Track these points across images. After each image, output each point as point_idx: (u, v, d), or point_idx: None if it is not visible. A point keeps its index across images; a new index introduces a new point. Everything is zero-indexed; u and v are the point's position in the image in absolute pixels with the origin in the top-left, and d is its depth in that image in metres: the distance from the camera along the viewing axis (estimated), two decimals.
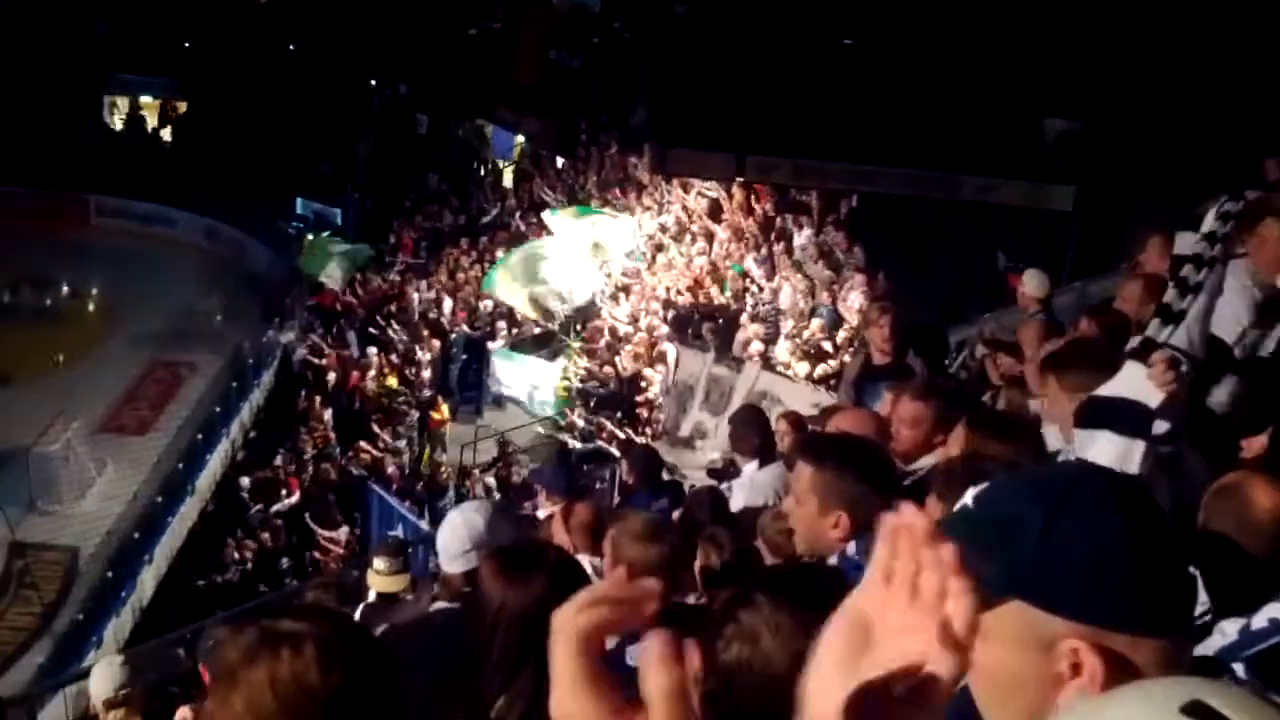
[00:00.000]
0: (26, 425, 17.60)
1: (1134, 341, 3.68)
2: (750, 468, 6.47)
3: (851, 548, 3.13)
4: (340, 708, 1.59)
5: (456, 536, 3.86)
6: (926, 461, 4.32)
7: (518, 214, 23.43)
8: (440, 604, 4.01)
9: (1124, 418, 3.75)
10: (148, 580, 15.35)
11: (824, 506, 3.13)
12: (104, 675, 5.32)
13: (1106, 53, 16.20)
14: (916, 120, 17.35)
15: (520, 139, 27.19)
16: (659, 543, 3.54)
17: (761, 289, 17.48)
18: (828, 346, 15.75)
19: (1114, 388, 4.11)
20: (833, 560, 3.15)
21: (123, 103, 31.79)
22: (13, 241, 25.21)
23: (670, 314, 17.86)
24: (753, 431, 6.60)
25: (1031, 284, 7.48)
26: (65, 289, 24.68)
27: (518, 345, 19.30)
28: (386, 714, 1.69)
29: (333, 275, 20.78)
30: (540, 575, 2.43)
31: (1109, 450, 3.82)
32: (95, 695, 5.31)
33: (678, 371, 14.93)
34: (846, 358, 14.74)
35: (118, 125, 31.88)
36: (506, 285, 18.53)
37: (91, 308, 24.55)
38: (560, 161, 24.78)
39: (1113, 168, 16.08)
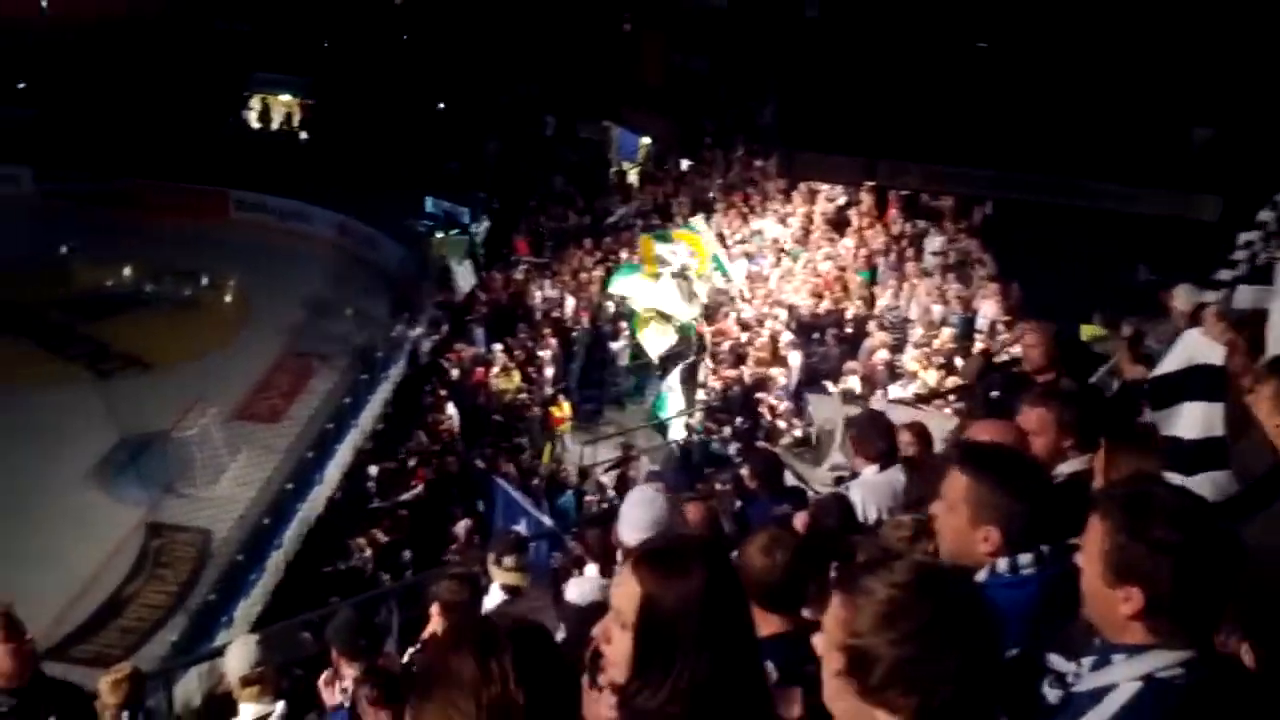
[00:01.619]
0: (166, 410, 18.33)
1: None
2: (869, 470, 6.36)
3: (1003, 564, 3.04)
4: None
5: (648, 511, 3.93)
6: (1063, 470, 4.21)
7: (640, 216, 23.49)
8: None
9: (1196, 384, 3.87)
10: (276, 564, 15.76)
11: (975, 519, 3.04)
12: (241, 652, 5.40)
13: (1255, 60, 15.51)
14: (1055, 126, 16.84)
15: (646, 140, 27.27)
16: (779, 554, 3.58)
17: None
18: (958, 357, 15.37)
19: (1173, 362, 4.12)
20: (980, 575, 3.04)
21: (262, 101, 32.85)
22: (157, 233, 26.32)
23: (794, 319, 17.63)
24: (877, 435, 6.51)
25: (1183, 298, 7.22)
26: (204, 280, 25.59)
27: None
28: None
29: (463, 274, 21.18)
30: (693, 577, 2.31)
31: (1193, 419, 3.82)
32: (232, 671, 5.38)
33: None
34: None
35: (256, 123, 32.96)
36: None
37: (228, 299, 25.38)
38: (685, 164, 24.74)
39: (1260, 177, 15.36)
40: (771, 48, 22.14)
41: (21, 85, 30.84)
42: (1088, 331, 13.42)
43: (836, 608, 1.97)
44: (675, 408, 17.58)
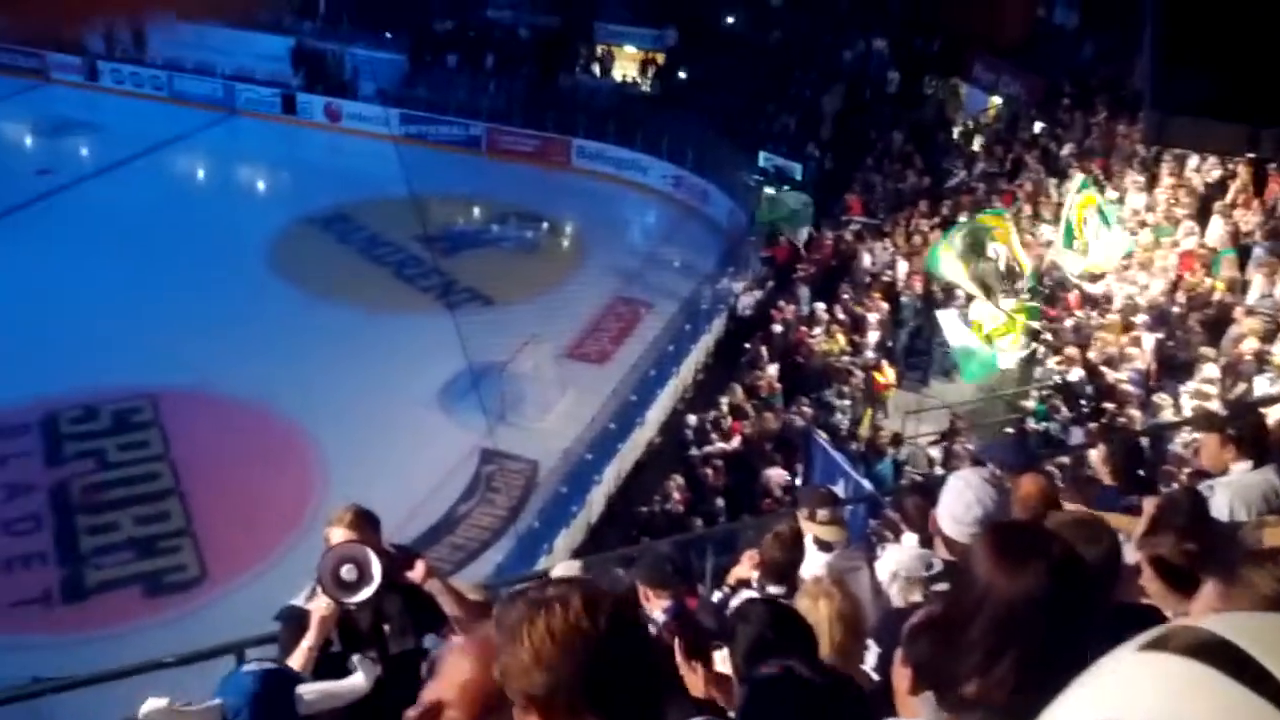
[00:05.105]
0: (503, 345, 19.35)
1: None
2: (1240, 467, 5.72)
3: None
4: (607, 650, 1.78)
5: (972, 503, 3.67)
6: None
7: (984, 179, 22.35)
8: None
9: None
10: (596, 500, 16.32)
11: None
12: (566, 575, 5.52)
13: None
14: None
15: (996, 100, 25.90)
16: (1100, 544, 3.24)
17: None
18: None
19: None
20: None
21: (607, 50, 33.77)
22: (506, 177, 27.86)
23: (1149, 299, 16.24)
24: (1252, 430, 5.85)
25: None
26: (545, 224, 26.88)
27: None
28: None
29: (794, 229, 20.99)
30: (1039, 565, 2.24)
31: None
32: None
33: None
34: None
35: (602, 74, 34.00)
36: (950, 263, 17.58)
37: (566, 244, 26.54)
38: (1038, 126, 23.29)
39: None
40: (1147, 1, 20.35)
41: (389, 34, 33.51)
42: None
43: (1213, 596, 1.82)
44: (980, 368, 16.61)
